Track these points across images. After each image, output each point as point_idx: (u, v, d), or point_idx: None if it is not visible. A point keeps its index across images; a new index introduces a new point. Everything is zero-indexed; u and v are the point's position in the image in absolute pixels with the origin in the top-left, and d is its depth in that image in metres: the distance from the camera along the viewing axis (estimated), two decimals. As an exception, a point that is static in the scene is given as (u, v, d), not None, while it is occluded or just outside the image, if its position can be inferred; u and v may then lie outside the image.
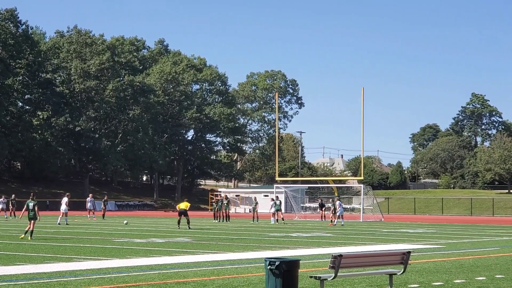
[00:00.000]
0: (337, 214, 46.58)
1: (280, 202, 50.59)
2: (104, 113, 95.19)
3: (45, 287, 13.31)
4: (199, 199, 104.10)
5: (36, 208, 28.41)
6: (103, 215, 54.42)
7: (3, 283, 13.83)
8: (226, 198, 52.95)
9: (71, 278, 14.77)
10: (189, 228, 37.91)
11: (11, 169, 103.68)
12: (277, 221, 48.46)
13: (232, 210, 73.05)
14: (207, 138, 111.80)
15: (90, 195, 56.03)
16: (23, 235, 28.09)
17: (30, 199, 29.13)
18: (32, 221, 28.10)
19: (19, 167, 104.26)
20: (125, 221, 44.64)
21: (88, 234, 32.28)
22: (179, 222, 39.20)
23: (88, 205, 53.08)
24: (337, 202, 47.41)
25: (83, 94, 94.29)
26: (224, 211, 50.71)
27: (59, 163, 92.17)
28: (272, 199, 50.31)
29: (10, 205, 55.13)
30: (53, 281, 14.29)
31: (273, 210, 49.30)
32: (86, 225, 43.01)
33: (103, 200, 58.73)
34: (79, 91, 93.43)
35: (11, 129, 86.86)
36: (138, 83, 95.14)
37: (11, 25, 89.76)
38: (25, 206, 29.00)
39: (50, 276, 15.18)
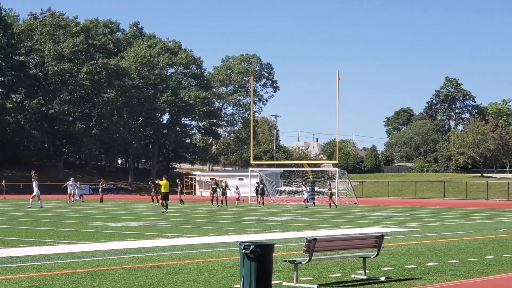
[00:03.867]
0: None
1: (264, 186, 51.68)
2: (78, 96, 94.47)
3: (18, 271, 13.22)
4: (174, 182, 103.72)
5: None
6: (101, 199, 54.89)
7: (-24, 268, 13.73)
8: (215, 182, 53.26)
9: (45, 262, 14.71)
10: (165, 211, 37.85)
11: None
12: (259, 204, 49.87)
13: (206, 193, 73.02)
14: (182, 121, 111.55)
15: (72, 179, 57.13)
16: None
17: None
18: None
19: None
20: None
21: (63, 218, 32.12)
22: (163, 205, 38.75)
23: (69, 188, 53.79)
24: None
25: (56, 77, 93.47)
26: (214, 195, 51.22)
27: (32, 147, 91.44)
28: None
29: None
30: (27, 265, 14.21)
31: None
32: (61, 208, 42.81)
33: (100, 184, 59.82)
34: (52, 73, 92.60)
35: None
36: (112, 66, 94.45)
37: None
38: None
39: (24, 260, 15.10)
